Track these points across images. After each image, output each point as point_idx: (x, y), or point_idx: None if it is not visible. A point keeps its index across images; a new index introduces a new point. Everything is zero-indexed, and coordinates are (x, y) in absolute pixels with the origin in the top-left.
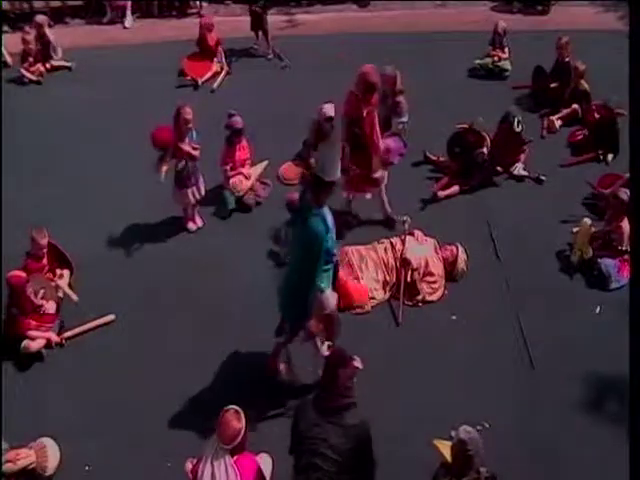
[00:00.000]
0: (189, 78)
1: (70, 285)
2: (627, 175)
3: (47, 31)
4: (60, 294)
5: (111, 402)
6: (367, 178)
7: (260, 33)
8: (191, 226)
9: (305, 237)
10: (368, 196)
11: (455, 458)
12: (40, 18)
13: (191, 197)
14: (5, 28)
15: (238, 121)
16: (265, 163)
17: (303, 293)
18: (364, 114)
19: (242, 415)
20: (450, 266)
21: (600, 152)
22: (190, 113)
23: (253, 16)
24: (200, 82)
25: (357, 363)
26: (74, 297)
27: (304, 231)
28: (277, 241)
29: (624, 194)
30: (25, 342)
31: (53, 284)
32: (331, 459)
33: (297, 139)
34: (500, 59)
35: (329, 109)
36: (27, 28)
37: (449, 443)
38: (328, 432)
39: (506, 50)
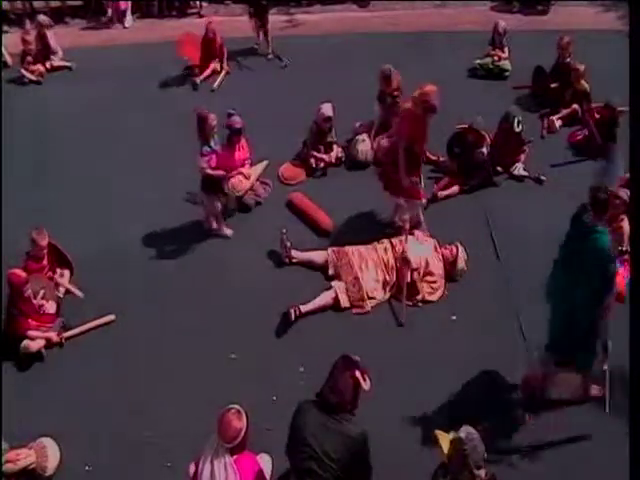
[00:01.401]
0: (187, 59)
1: None
2: (627, 175)
3: (48, 32)
4: (61, 293)
5: (111, 402)
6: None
7: (261, 33)
8: (227, 231)
9: (593, 259)
10: (424, 201)
11: (451, 455)
12: (42, 18)
13: (221, 202)
14: (5, 28)
15: (237, 120)
16: (265, 163)
17: (586, 318)
18: (422, 133)
19: (243, 415)
20: (450, 266)
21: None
22: (215, 119)
23: (257, 17)
24: (199, 80)
25: (361, 378)
26: (78, 293)
27: (592, 252)
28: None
29: (624, 194)
30: (25, 342)
31: (54, 283)
32: (328, 466)
33: (297, 139)
34: (500, 59)
35: (327, 109)
36: (27, 28)
37: (450, 436)
38: (327, 439)
39: (506, 50)
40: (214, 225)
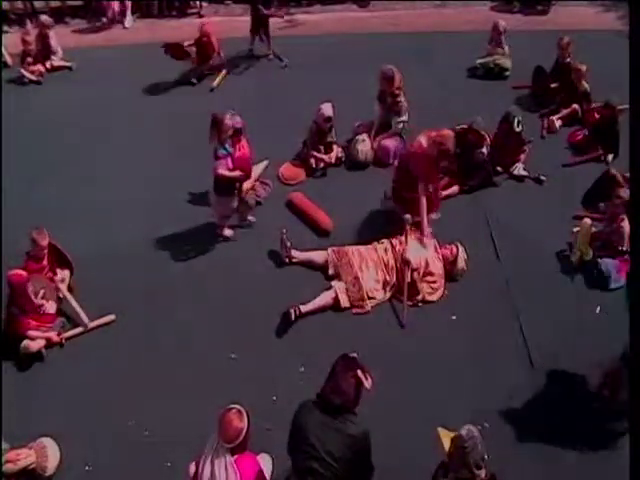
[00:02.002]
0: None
1: (70, 285)
2: (627, 175)
3: (49, 32)
4: (61, 295)
5: (111, 402)
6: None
7: (261, 33)
8: (228, 232)
9: None
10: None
11: (451, 452)
12: (44, 18)
13: (234, 204)
14: (5, 28)
15: (237, 120)
16: (265, 163)
17: None
18: (435, 173)
19: (244, 415)
20: (450, 266)
21: (601, 152)
22: (230, 119)
23: (256, 18)
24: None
25: (363, 377)
26: (85, 319)
27: None
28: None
29: (624, 194)
30: (25, 342)
31: (54, 286)
32: (330, 466)
33: (297, 139)
34: (500, 55)
35: (327, 109)
36: (28, 28)
37: (451, 434)
38: (329, 439)
39: (506, 48)
40: (222, 228)
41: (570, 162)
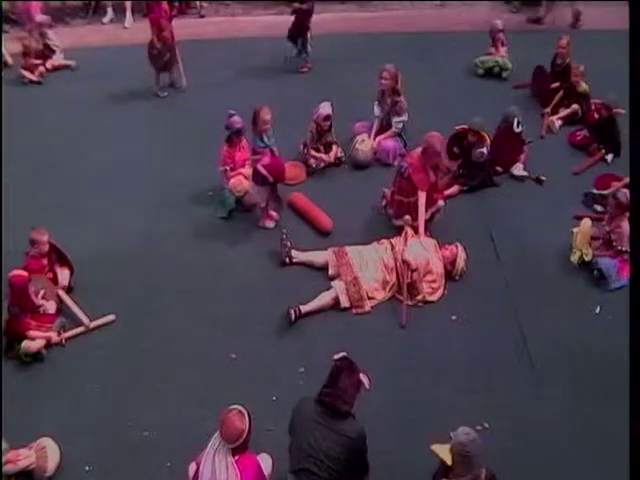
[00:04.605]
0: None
1: (70, 285)
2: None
3: (48, 32)
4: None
5: (111, 402)
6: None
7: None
8: (269, 223)
9: None
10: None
11: (454, 460)
12: (43, 18)
13: (264, 195)
14: (5, 28)
15: (238, 121)
16: None
17: None
18: (434, 180)
19: (246, 415)
20: (450, 266)
21: (603, 152)
22: (269, 113)
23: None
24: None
25: (364, 380)
26: (85, 320)
27: None
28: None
29: (623, 195)
30: (25, 342)
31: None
32: (325, 466)
33: (297, 139)
34: (500, 55)
35: (326, 108)
36: (28, 28)
37: (447, 446)
38: (325, 439)
39: (503, 49)
40: (265, 214)
41: (579, 170)
